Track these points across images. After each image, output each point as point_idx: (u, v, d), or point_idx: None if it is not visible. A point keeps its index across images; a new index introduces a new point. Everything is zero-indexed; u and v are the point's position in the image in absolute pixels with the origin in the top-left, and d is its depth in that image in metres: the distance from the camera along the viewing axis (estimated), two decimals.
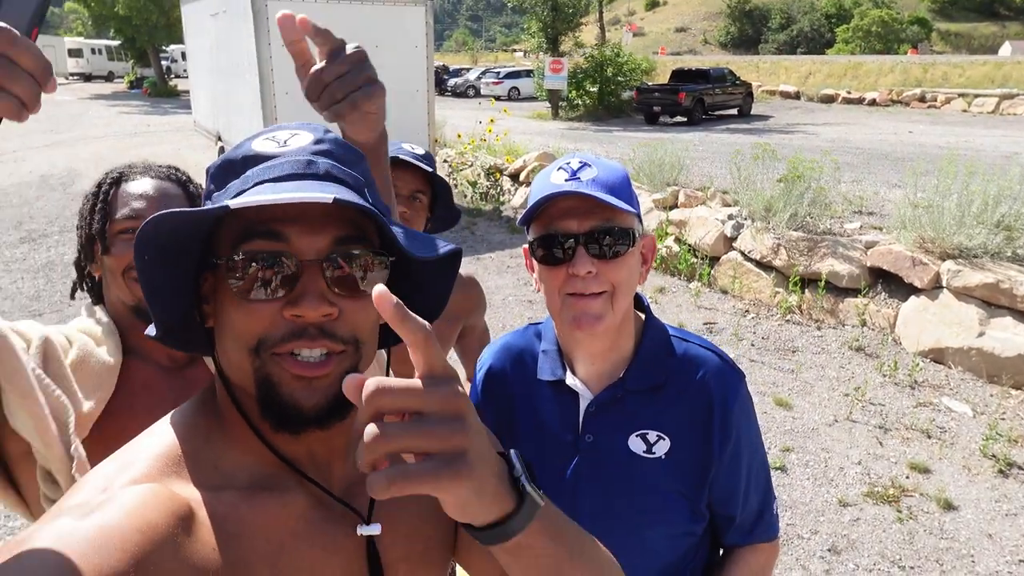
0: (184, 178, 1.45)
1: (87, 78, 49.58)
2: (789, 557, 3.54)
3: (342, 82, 0.92)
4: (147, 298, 0.76)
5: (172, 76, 42.14)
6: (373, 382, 0.55)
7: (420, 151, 1.96)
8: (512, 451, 0.68)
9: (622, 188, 1.19)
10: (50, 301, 6.97)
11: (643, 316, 1.33)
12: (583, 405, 1.27)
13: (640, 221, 1.24)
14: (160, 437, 0.77)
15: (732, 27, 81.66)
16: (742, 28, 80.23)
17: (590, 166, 1.19)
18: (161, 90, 35.83)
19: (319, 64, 0.94)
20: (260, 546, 0.73)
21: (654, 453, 1.24)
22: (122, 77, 46.46)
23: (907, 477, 4.19)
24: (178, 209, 0.68)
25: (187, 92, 17.16)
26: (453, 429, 0.56)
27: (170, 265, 0.74)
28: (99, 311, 1.37)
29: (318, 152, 0.78)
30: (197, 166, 14.64)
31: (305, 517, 0.77)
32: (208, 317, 0.78)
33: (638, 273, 1.24)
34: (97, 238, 1.31)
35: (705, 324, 6.55)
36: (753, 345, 6.11)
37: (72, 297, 1.44)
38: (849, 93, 27.22)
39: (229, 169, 0.78)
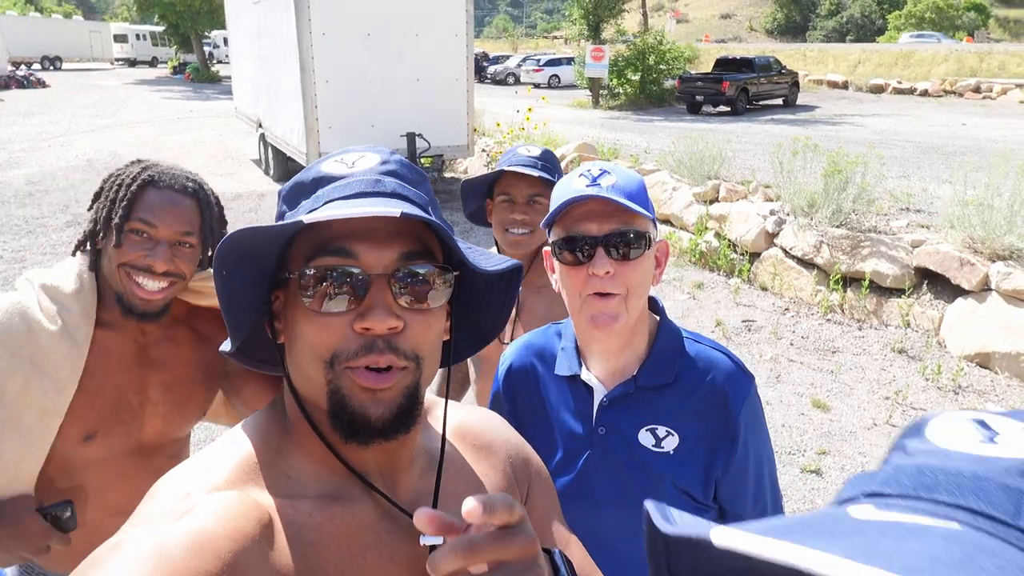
0: (206, 194, 1.54)
1: (132, 63, 50.72)
2: None
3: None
4: (224, 311, 0.80)
5: (214, 62, 42.79)
6: (466, 543, 0.62)
7: (536, 151, 2.00)
8: (556, 552, 0.76)
9: (639, 194, 1.26)
10: None
11: (657, 318, 1.40)
12: (597, 399, 1.34)
13: (655, 226, 1.30)
14: (234, 446, 0.80)
15: (779, 13, 79.86)
16: (789, 15, 78.39)
17: (610, 173, 1.25)
18: (203, 76, 36.46)
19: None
20: (332, 555, 0.76)
21: (662, 448, 1.31)
22: (166, 62, 47.40)
23: None
24: (256, 225, 0.72)
25: (229, 78, 17.41)
26: (530, 536, 0.64)
27: (245, 279, 0.78)
28: (87, 274, 1.52)
29: (385, 172, 0.81)
30: (238, 152, 14.89)
31: (373, 527, 0.79)
32: (279, 334, 0.82)
33: (651, 276, 1.31)
34: (114, 230, 1.44)
35: (744, 321, 6.45)
36: (792, 344, 5.99)
37: (73, 254, 1.57)
38: (899, 83, 26.40)
39: (300, 190, 0.82)
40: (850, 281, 6.49)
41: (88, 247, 1.54)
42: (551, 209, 1.27)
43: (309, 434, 0.80)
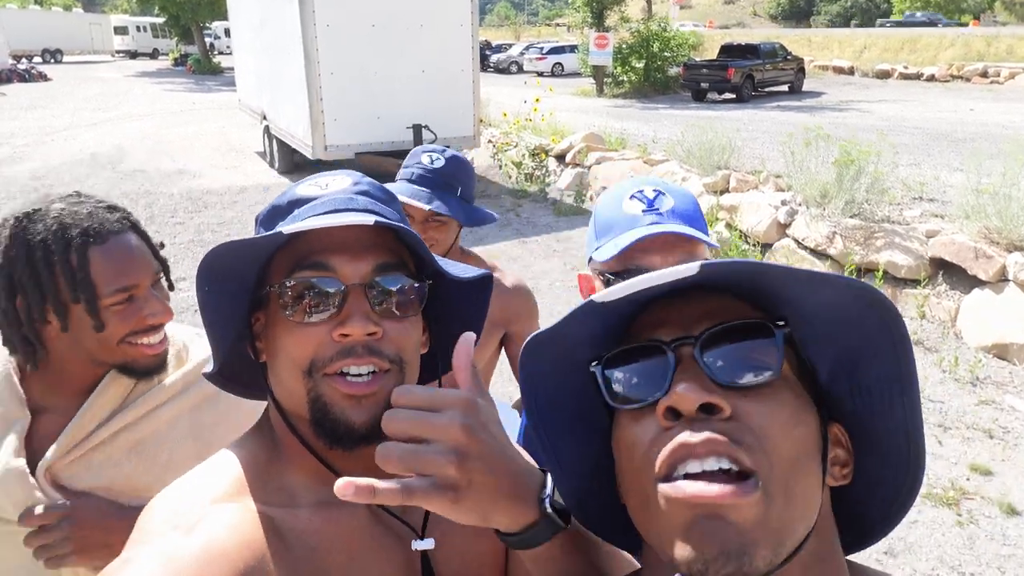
0: (136, 219, 1.35)
1: (133, 55, 50.54)
2: None
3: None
4: (206, 326, 0.82)
5: (215, 53, 42.63)
6: (391, 411, 0.64)
7: (439, 162, 1.94)
8: (548, 472, 0.74)
9: (697, 216, 1.18)
10: None
11: None
12: None
13: (710, 248, 1.22)
14: (224, 464, 0.82)
15: None
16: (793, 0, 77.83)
17: (665, 194, 1.16)
18: (205, 67, 36.32)
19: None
20: (334, 558, 0.77)
21: None
22: (167, 54, 47.27)
23: (968, 479, 4.05)
24: (237, 239, 0.74)
25: (231, 69, 17.33)
26: (447, 459, 0.62)
27: (226, 296, 0.80)
28: (5, 380, 1.29)
29: (357, 192, 0.85)
30: (242, 145, 14.83)
31: (368, 531, 0.82)
32: (261, 352, 0.84)
33: None
34: (88, 315, 1.22)
35: None
36: None
37: None
38: (906, 68, 26.20)
39: (276, 213, 0.85)
40: (864, 272, 6.43)
41: (17, 345, 1.27)
42: (600, 236, 1.16)
43: (298, 448, 0.81)
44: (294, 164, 11.99)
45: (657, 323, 0.66)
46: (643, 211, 1.14)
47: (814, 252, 6.87)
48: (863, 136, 8.44)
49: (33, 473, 1.22)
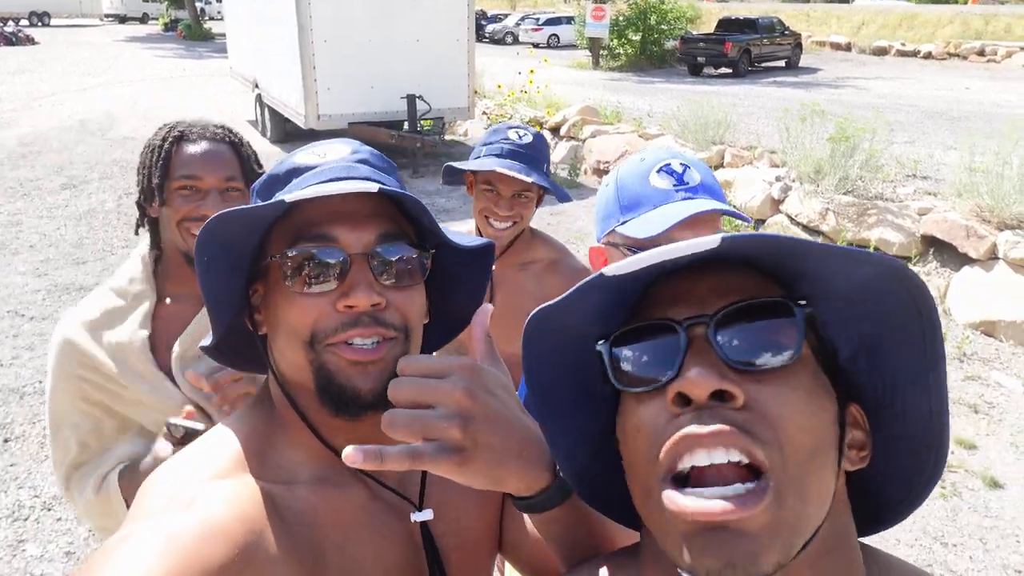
0: (238, 140, 1.55)
1: (122, 20, 49.49)
2: None
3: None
4: (206, 300, 0.81)
5: (206, 19, 41.89)
6: (396, 380, 0.65)
7: (528, 138, 1.89)
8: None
9: (719, 188, 1.16)
10: (93, 249, 7.08)
11: None
12: None
13: (744, 222, 1.24)
14: (224, 439, 0.80)
15: None
16: None
17: (691, 168, 1.14)
18: (196, 33, 35.73)
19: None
20: (330, 535, 0.77)
21: None
22: (156, 19, 46.39)
23: (952, 453, 4.10)
24: (236, 208, 0.73)
25: (222, 35, 17.05)
26: (450, 423, 0.63)
27: (225, 269, 0.79)
28: (144, 258, 1.55)
29: (357, 160, 0.84)
30: (233, 113, 14.67)
31: (365, 507, 0.81)
32: (260, 325, 0.83)
33: None
34: (156, 191, 1.48)
35: None
36: None
37: (136, 233, 1.62)
38: (903, 45, 26.05)
39: (274, 183, 0.83)
40: None
41: (145, 224, 1.58)
42: (625, 211, 1.13)
43: (297, 423, 0.81)
44: (286, 133, 11.86)
45: (670, 299, 0.62)
46: (674, 186, 1.12)
47: (807, 228, 6.89)
48: (859, 113, 8.42)
49: (153, 349, 1.46)
